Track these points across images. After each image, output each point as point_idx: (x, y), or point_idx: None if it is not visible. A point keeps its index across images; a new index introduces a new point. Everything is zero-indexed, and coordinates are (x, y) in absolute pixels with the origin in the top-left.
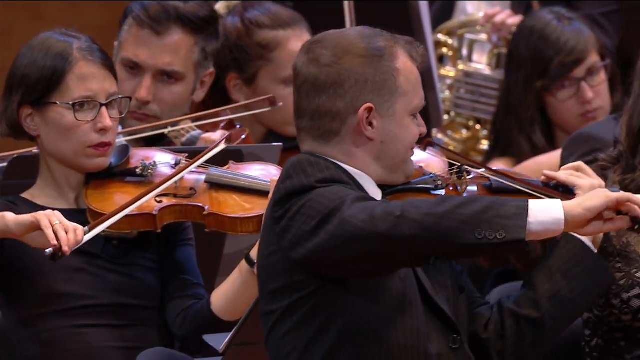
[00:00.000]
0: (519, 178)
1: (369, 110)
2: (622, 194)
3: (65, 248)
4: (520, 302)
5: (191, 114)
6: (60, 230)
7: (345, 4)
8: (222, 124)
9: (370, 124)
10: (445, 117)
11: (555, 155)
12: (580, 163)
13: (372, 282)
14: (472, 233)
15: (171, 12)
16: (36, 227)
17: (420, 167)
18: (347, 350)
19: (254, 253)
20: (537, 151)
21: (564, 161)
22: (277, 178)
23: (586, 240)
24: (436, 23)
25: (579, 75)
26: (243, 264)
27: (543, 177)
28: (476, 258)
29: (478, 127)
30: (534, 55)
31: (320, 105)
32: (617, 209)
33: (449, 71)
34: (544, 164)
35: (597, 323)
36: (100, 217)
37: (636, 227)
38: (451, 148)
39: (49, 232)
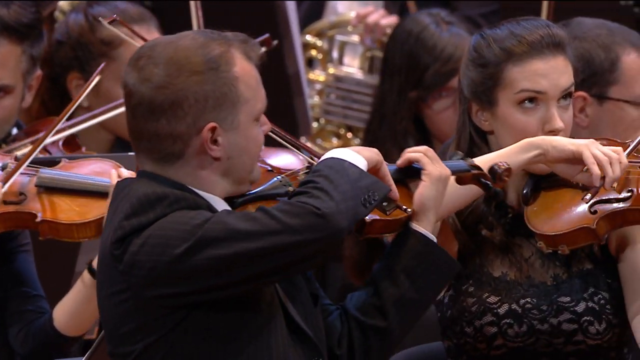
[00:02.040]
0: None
1: (213, 129)
2: (384, 162)
3: None
4: (366, 310)
5: (21, 119)
6: None
7: (193, 4)
8: (61, 142)
9: (215, 142)
10: (315, 124)
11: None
12: (428, 148)
13: (237, 312)
14: (361, 205)
15: None
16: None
17: (263, 160)
18: None
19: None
20: None
21: None
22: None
23: (425, 231)
24: (305, 23)
25: (456, 84)
26: (86, 275)
27: (399, 161)
28: None
29: (350, 135)
30: (408, 62)
31: (159, 129)
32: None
33: (318, 75)
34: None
35: (457, 351)
36: None
37: (385, 204)
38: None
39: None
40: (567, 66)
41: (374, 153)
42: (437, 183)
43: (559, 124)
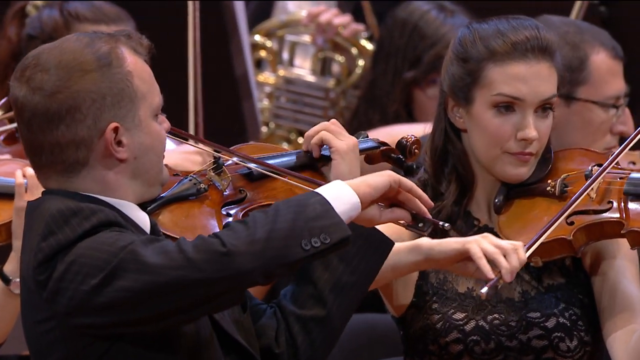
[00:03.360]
0: (279, 164)
1: (116, 130)
2: (406, 180)
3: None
4: (303, 302)
5: None
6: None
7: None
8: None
9: (120, 143)
10: (264, 128)
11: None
12: (332, 122)
13: (166, 338)
14: (298, 247)
15: None
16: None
17: (167, 165)
18: None
19: (8, 268)
20: None
21: None
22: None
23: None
24: (253, 23)
25: None
26: None
27: (305, 147)
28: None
29: (300, 140)
30: (407, 44)
31: (60, 137)
32: (399, 194)
33: (267, 77)
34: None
35: None
36: None
37: (419, 223)
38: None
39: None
40: (552, 74)
41: (382, 177)
42: (347, 155)
43: (532, 133)
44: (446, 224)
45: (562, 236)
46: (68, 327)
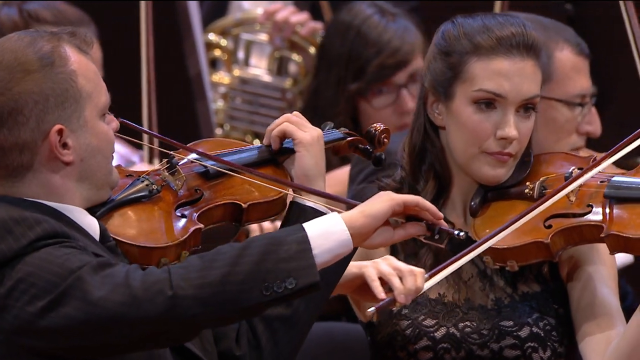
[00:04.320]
0: (237, 161)
1: (60, 132)
2: (410, 197)
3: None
4: None
5: None
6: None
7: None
8: None
9: (65, 145)
10: (218, 130)
11: (341, 172)
12: (294, 114)
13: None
14: (257, 291)
15: None
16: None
17: (119, 165)
18: None
19: None
20: (346, 163)
21: (352, 178)
22: None
23: (316, 205)
24: (208, 21)
25: (399, 81)
26: None
27: (266, 140)
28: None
29: (257, 142)
30: (350, 52)
31: (2, 141)
32: (406, 213)
33: (222, 77)
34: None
35: None
36: None
37: (435, 235)
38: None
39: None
40: (536, 73)
41: (382, 202)
42: (312, 147)
43: (512, 132)
44: (461, 233)
45: (539, 239)
46: (14, 345)
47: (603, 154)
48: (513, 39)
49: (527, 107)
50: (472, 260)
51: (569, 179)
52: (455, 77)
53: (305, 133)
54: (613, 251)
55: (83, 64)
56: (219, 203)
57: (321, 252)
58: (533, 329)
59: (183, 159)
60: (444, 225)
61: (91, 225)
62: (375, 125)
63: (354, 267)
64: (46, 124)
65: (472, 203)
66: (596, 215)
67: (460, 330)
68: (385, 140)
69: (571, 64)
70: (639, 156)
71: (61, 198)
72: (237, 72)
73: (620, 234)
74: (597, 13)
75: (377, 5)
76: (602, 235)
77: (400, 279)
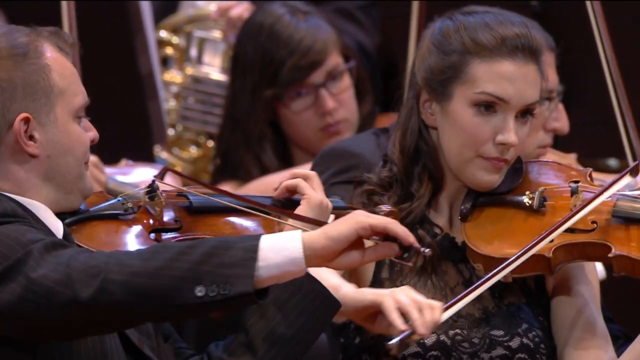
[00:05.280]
0: (231, 194)
1: (26, 121)
2: (378, 220)
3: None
4: (233, 349)
5: None
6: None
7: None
8: None
9: (32, 138)
10: (171, 131)
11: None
12: (313, 173)
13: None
14: (190, 291)
15: None
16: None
17: (102, 192)
18: None
19: None
20: (268, 173)
21: None
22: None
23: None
24: (159, 17)
25: (316, 80)
26: None
27: (277, 192)
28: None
29: (210, 143)
30: (262, 57)
31: None
32: (374, 234)
33: (174, 76)
34: (276, 183)
35: None
36: None
37: (405, 255)
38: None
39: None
40: (537, 79)
41: (348, 229)
42: (316, 208)
43: (512, 137)
44: (427, 250)
45: (542, 253)
46: None
47: (618, 176)
48: (518, 40)
49: (526, 112)
50: (457, 268)
51: (574, 193)
52: (454, 77)
53: (317, 194)
54: (618, 272)
55: (59, 61)
56: (197, 235)
57: (267, 265)
58: (523, 339)
59: (167, 187)
60: (417, 246)
61: (55, 225)
62: (382, 207)
63: (370, 294)
64: (12, 113)
65: (463, 207)
66: (601, 233)
67: (451, 338)
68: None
69: None
70: None
71: (26, 193)
72: (189, 70)
73: (630, 256)
74: (563, 11)
75: (288, 5)
76: (609, 255)
77: (419, 311)
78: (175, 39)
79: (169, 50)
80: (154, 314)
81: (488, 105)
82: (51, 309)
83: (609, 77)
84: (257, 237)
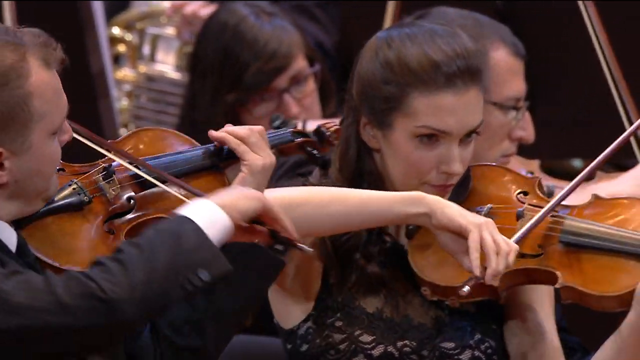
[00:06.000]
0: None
1: None
2: (275, 210)
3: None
4: (179, 328)
5: None
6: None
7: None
8: None
9: (1, 166)
10: (123, 130)
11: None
12: (247, 132)
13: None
14: (178, 288)
15: None
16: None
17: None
18: None
19: None
20: None
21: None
22: None
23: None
24: (111, 14)
25: (281, 85)
26: None
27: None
28: None
29: None
30: (224, 59)
31: None
32: (262, 219)
33: (127, 74)
34: None
35: None
36: None
37: (275, 245)
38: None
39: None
40: (479, 100)
41: (252, 202)
42: (258, 174)
43: (456, 167)
44: (310, 250)
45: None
46: None
47: (563, 190)
48: (458, 70)
49: (470, 134)
50: (406, 276)
51: (520, 217)
52: (394, 109)
53: (258, 158)
54: (565, 301)
55: (44, 81)
56: (149, 217)
57: (215, 242)
58: (475, 352)
59: (116, 161)
60: (295, 237)
61: (9, 237)
62: (327, 123)
63: (461, 217)
64: None
65: (410, 226)
66: (548, 260)
67: (399, 349)
68: (335, 141)
69: (506, 66)
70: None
71: None
72: (142, 68)
73: (577, 288)
74: (528, 11)
75: (252, 5)
76: (556, 285)
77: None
78: (128, 36)
79: (121, 48)
80: (153, 317)
81: (431, 135)
82: (48, 341)
83: (607, 72)
84: (186, 219)
